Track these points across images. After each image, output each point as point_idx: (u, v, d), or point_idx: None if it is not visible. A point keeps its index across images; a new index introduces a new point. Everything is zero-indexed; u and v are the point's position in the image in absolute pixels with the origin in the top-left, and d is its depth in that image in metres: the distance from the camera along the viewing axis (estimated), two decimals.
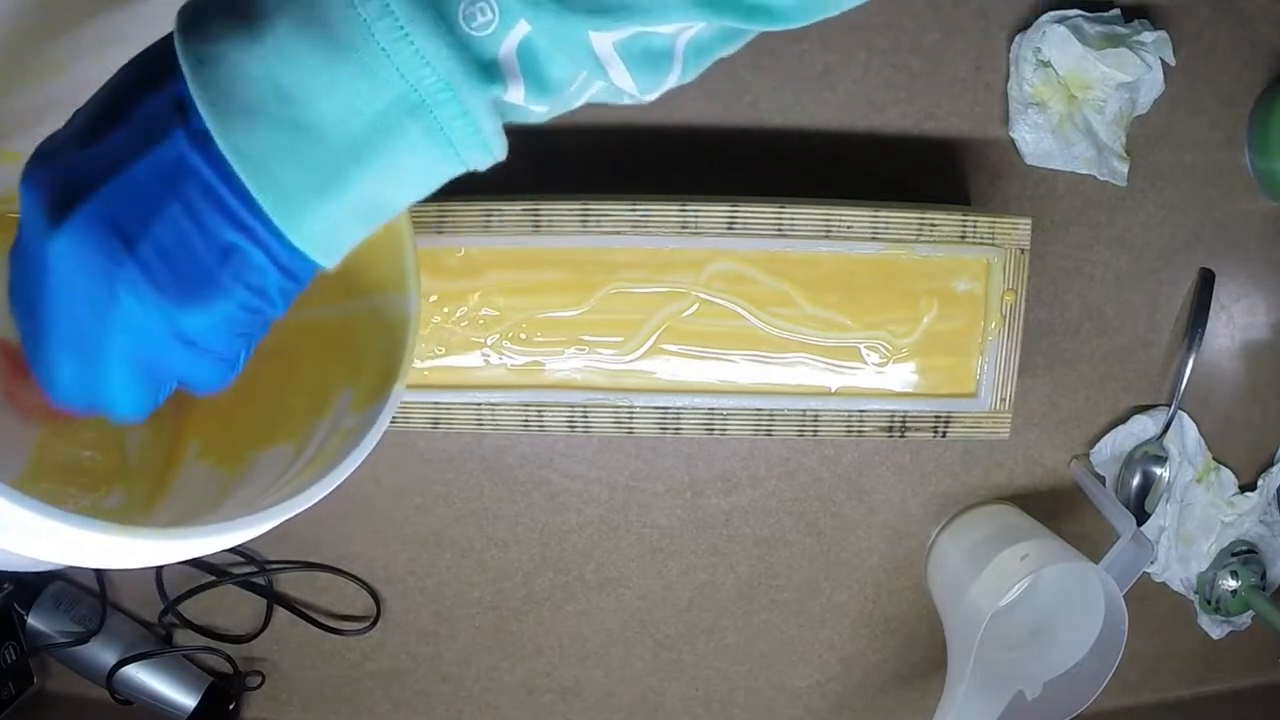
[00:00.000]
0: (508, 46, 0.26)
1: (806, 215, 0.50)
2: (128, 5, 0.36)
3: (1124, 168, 0.57)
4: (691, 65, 0.29)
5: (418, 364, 0.51)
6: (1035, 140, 0.57)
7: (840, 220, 0.50)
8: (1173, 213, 0.59)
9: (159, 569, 0.60)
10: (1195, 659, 0.65)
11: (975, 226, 0.51)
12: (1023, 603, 0.60)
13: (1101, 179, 0.58)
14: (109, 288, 0.26)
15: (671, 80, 0.29)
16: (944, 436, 0.53)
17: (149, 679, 0.59)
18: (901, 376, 0.52)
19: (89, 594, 0.60)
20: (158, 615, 0.60)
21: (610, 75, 0.27)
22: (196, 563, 0.60)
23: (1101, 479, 0.61)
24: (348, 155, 0.26)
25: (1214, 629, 0.64)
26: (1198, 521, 0.62)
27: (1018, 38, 0.56)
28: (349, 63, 0.25)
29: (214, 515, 0.31)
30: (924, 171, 0.58)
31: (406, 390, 0.41)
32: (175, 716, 0.59)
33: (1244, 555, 0.63)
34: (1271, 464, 0.63)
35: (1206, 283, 0.60)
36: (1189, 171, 0.59)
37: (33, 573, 0.58)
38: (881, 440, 0.59)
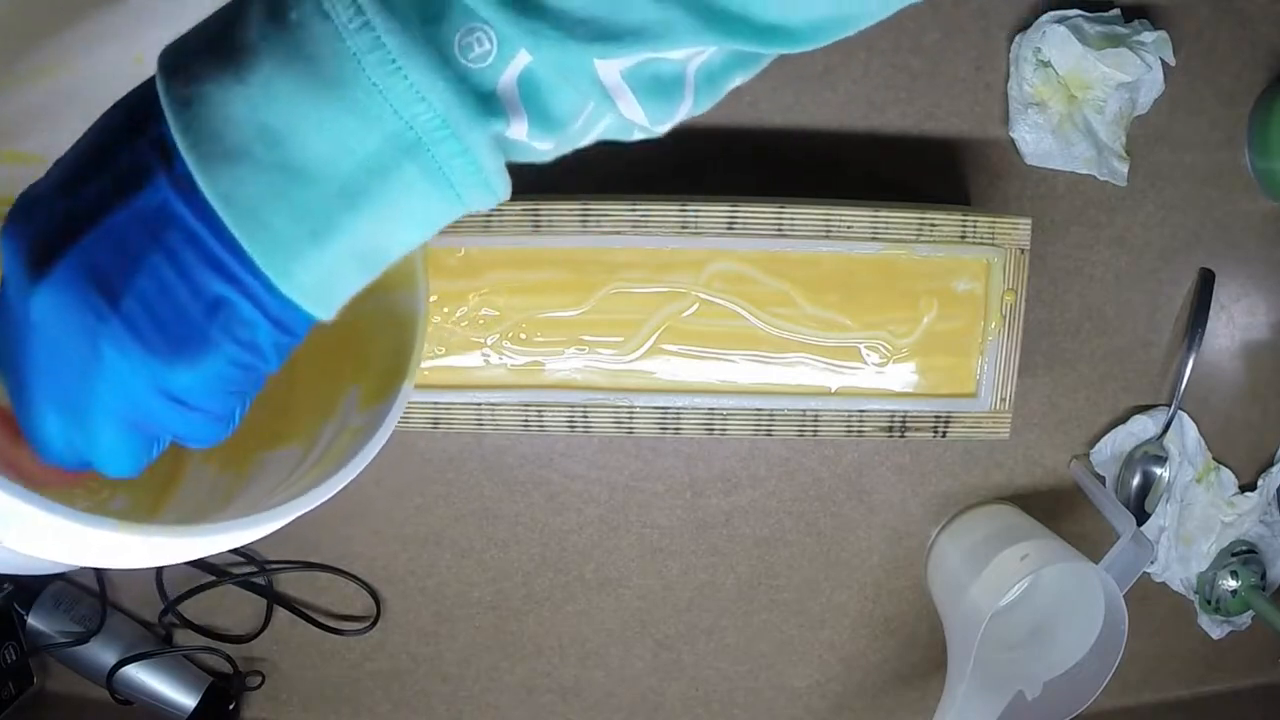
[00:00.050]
0: (508, 78, 0.24)
1: (806, 215, 0.50)
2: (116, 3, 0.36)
3: (1124, 168, 0.57)
4: (704, 93, 0.28)
5: None
6: (1035, 140, 0.57)
7: (840, 220, 0.50)
8: (1173, 213, 0.59)
9: (159, 569, 0.60)
10: (1195, 659, 0.65)
11: (975, 226, 0.51)
12: (1023, 603, 0.60)
13: (1101, 179, 0.58)
14: (92, 344, 0.25)
15: (684, 110, 0.28)
16: (944, 436, 0.53)
17: (149, 679, 0.59)
18: (901, 376, 0.52)
19: (89, 594, 0.60)
20: (158, 615, 0.60)
21: (619, 106, 0.26)
22: (197, 563, 0.60)
23: (1101, 479, 0.61)
24: (340, 199, 0.24)
25: (1214, 629, 0.64)
26: (1198, 521, 0.62)
27: (1018, 38, 0.56)
28: (339, 99, 0.23)
29: (220, 516, 0.31)
30: (924, 171, 0.58)
31: None
32: (175, 716, 0.59)
33: (1244, 555, 0.63)
34: (1271, 464, 0.63)
35: (1206, 283, 0.60)
36: (1189, 171, 0.59)
37: (34, 575, 0.58)
38: (881, 440, 0.59)
